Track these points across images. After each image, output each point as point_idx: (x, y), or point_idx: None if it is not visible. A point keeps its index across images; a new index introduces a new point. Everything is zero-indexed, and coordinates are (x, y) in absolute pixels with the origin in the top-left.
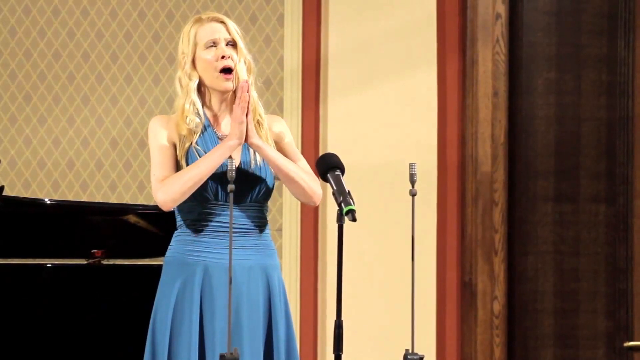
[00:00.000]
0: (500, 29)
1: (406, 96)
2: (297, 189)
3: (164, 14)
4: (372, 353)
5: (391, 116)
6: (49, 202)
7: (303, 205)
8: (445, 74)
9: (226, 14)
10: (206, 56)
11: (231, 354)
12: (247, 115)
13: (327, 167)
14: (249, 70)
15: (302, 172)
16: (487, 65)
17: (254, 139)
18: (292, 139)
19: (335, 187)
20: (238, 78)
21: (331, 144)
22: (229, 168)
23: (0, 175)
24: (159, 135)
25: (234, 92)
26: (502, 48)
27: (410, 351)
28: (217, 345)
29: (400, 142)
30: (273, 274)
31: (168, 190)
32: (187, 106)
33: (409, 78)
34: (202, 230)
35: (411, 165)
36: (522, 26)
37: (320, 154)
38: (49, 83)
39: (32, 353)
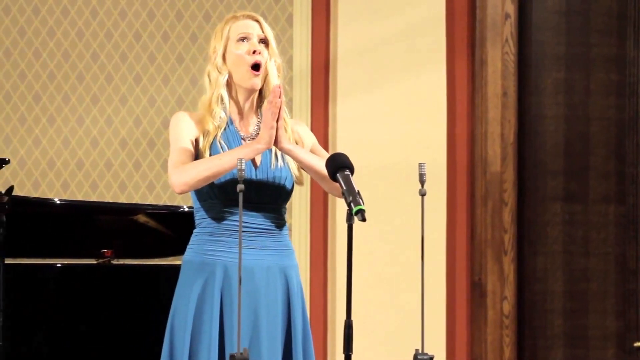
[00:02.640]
0: (509, 28)
1: (415, 96)
2: (332, 186)
3: (173, 14)
4: (382, 353)
5: (400, 116)
6: (58, 202)
7: (312, 205)
8: (455, 73)
9: None
10: (237, 50)
11: (241, 354)
12: (277, 120)
13: (337, 166)
14: (278, 71)
15: None
16: (496, 64)
17: (284, 143)
18: (316, 140)
19: (344, 187)
20: (267, 77)
21: (340, 144)
22: (238, 168)
23: (10, 175)
24: (182, 127)
25: (260, 93)
26: (511, 48)
27: (420, 351)
28: (235, 345)
29: (409, 142)
30: (292, 274)
31: (184, 173)
32: (214, 99)
33: (418, 78)
34: (221, 229)
35: (420, 165)
36: (531, 26)
37: (330, 153)
38: (58, 83)
39: (42, 353)
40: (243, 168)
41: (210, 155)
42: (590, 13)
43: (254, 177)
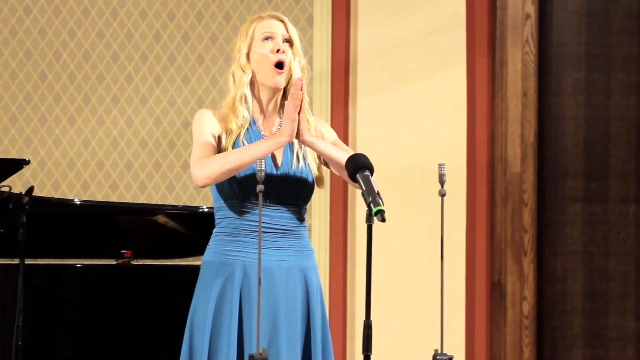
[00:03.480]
0: (529, 29)
1: (435, 96)
2: None
3: (194, 14)
4: (401, 353)
5: (420, 116)
6: (78, 202)
7: (332, 205)
8: (475, 74)
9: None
10: (261, 49)
11: (260, 354)
12: (299, 113)
13: (356, 167)
14: (302, 71)
15: None
16: (516, 65)
17: (306, 136)
18: (337, 136)
19: (364, 188)
20: (290, 78)
21: (360, 144)
22: (258, 168)
23: (30, 176)
24: (206, 123)
25: (284, 94)
26: (532, 48)
27: (439, 351)
28: (254, 345)
29: (429, 142)
30: (311, 275)
31: (207, 166)
32: (238, 98)
33: (438, 78)
34: (241, 230)
35: (440, 166)
36: (552, 26)
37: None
38: (79, 83)
39: (61, 353)
40: (263, 169)
41: None
42: (611, 14)
43: (274, 177)
